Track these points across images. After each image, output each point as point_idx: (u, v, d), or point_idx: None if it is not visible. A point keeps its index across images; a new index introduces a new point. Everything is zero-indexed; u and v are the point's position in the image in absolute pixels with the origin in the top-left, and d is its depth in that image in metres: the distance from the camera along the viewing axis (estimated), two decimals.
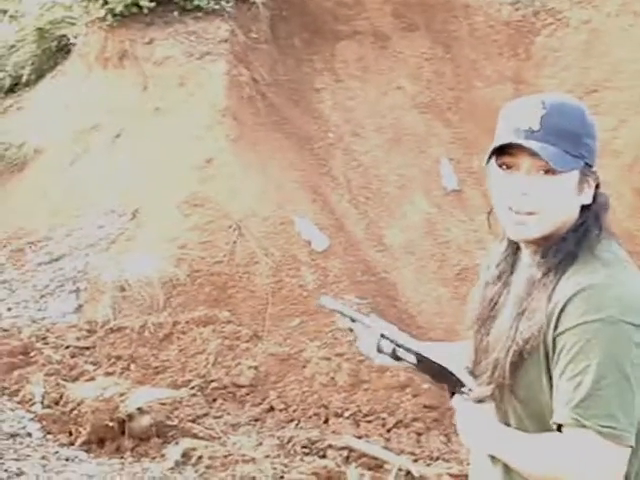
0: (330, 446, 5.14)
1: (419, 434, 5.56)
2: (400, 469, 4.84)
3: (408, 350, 2.02)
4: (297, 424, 5.48)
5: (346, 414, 5.64)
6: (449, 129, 8.40)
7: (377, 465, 5.00)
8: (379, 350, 2.07)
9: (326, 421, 5.60)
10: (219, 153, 7.08)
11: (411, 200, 7.65)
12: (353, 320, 2.17)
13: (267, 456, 4.97)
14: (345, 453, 5.11)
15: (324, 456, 5.10)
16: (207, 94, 7.40)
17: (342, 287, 6.53)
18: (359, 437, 5.40)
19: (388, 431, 5.57)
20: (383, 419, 5.64)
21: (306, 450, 5.14)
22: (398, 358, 2.05)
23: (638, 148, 8.11)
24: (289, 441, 5.22)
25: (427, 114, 8.45)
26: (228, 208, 6.72)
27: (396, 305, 6.77)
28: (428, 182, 7.84)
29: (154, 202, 6.88)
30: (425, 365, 2.01)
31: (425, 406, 5.77)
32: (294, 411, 5.63)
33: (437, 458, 5.24)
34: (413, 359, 2.01)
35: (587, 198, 1.80)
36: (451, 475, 4.76)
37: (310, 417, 5.60)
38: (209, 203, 6.74)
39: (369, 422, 5.63)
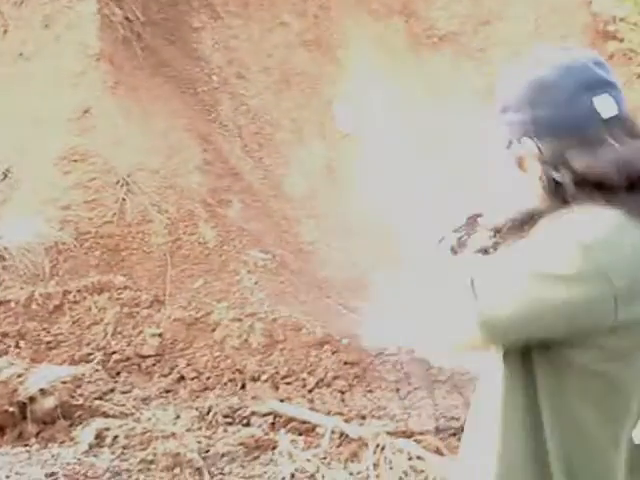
0: (254, 413, 5.04)
1: (342, 392, 5.53)
2: (333, 431, 4.78)
3: None
4: (213, 392, 5.33)
5: (263, 377, 5.54)
6: (340, 68, 8.30)
7: (307, 429, 4.93)
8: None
9: (243, 386, 5.48)
10: (96, 102, 6.72)
11: (308, 145, 7.54)
12: None
13: (188, 429, 4.82)
14: (270, 419, 5.02)
15: (248, 424, 4.99)
16: (77, 36, 6.99)
17: (245, 242, 6.38)
18: (281, 401, 5.31)
19: (310, 392, 5.51)
20: (303, 380, 5.57)
21: (228, 420, 5.02)
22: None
23: None
24: (209, 411, 5.08)
25: (316, 52, 8.31)
26: (112, 162, 6.41)
27: (301, 257, 6.68)
28: (324, 125, 7.73)
29: (27, 159, 6.48)
30: None
31: (346, 363, 5.74)
32: (207, 379, 5.48)
33: (365, 416, 5.22)
34: None
35: None
36: (389, 433, 4.75)
37: (225, 384, 5.47)
38: (91, 157, 6.41)
39: (289, 384, 5.55)
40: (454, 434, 5.16)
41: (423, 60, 8.52)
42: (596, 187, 1.66)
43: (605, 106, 1.67)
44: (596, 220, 1.62)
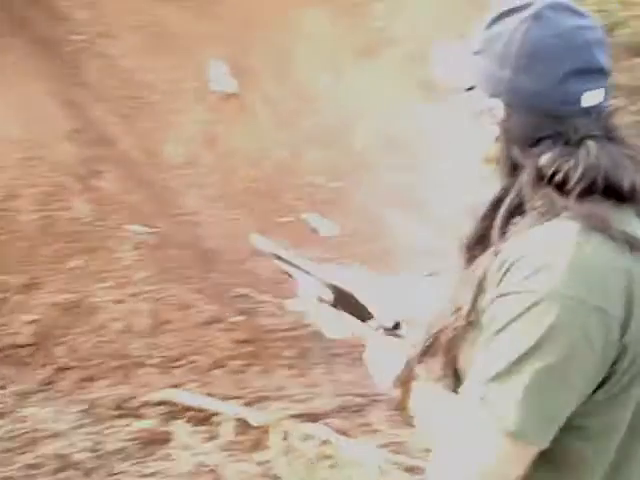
0: (146, 403, 4.70)
1: (238, 373, 5.26)
2: (234, 419, 4.50)
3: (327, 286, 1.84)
4: (98, 383, 4.95)
5: (151, 362, 5.20)
6: (214, 25, 7.89)
7: (205, 418, 4.63)
8: (320, 300, 1.80)
9: (128, 374, 5.12)
10: None
11: (184, 108, 7.13)
12: (293, 266, 1.87)
13: (74, 427, 4.44)
14: (164, 409, 4.69)
15: (140, 416, 4.65)
16: None
17: (123, 216, 5.97)
18: (173, 387, 4.99)
19: (202, 374, 5.21)
20: (195, 362, 5.26)
21: (117, 412, 4.66)
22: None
23: (415, 36, 8.08)
24: (94, 405, 4.70)
25: (189, 8, 7.87)
26: None
27: (185, 230, 6.31)
28: (199, 87, 7.34)
29: None
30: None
31: (239, 341, 5.46)
32: (90, 367, 5.09)
33: (265, 398, 4.97)
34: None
35: None
36: (294, 417, 4.50)
37: (110, 372, 5.09)
38: None
39: (179, 367, 5.23)
40: (358, 411, 4.97)
41: (301, 15, 8.21)
42: (556, 187, 1.42)
43: (593, 101, 1.44)
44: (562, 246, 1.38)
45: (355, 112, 7.63)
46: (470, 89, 1.52)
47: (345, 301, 1.85)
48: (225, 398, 4.89)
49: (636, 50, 6.50)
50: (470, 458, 1.37)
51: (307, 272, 1.90)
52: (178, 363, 5.23)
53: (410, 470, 4.15)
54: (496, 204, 1.48)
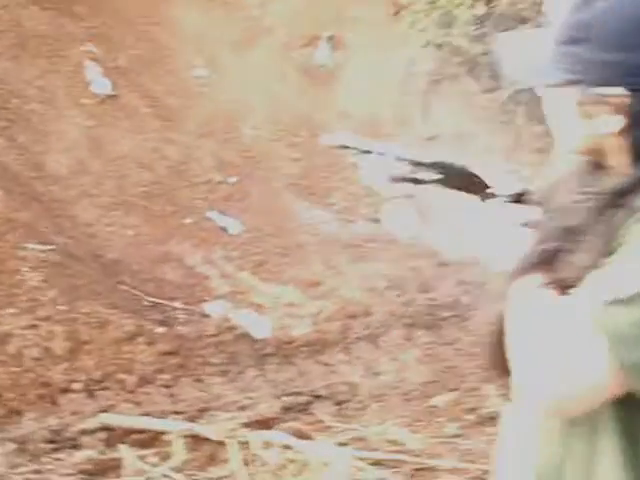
0: (82, 432, 4.41)
1: (169, 387, 5.03)
2: (181, 435, 4.29)
3: (431, 165, 1.79)
4: (23, 416, 4.62)
5: (76, 387, 4.90)
6: (81, 25, 7.53)
7: (150, 438, 4.39)
8: (393, 179, 1.75)
9: (54, 402, 4.80)
10: None
11: (62, 115, 6.76)
12: (364, 151, 1.82)
13: (10, 468, 4.12)
14: (103, 435, 4.42)
15: (78, 446, 4.36)
16: None
17: (19, 234, 5.59)
18: (103, 411, 4.71)
19: (132, 393, 4.95)
20: (122, 381, 4.99)
21: (53, 446, 4.36)
22: (418, 181, 1.81)
23: (290, 24, 7.98)
24: (25, 440, 4.38)
25: (51, 10, 7.47)
26: None
27: (84, 242, 5.99)
28: (75, 91, 6.98)
29: None
30: (452, 177, 1.79)
31: (164, 353, 5.22)
32: (11, 400, 4.74)
33: (205, 410, 4.77)
34: (437, 174, 1.79)
35: None
36: (246, 425, 4.33)
37: (33, 403, 4.76)
38: None
39: (106, 389, 4.95)
40: (304, 410, 4.86)
41: (172, 8, 7.95)
42: None
43: None
44: None
45: (239, 103, 7.46)
46: (574, 82, 1.43)
47: (456, 177, 1.80)
48: (163, 414, 4.66)
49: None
50: (569, 367, 1.31)
51: (380, 153, 1.86)
52: (105, 384, 4.94)
53: (378, 464, 4.06)
54: (620, 193, 1.40)
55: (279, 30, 7.95)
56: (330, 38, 7.69)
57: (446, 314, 5.72)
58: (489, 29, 6.79)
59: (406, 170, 1.84)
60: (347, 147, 1.91)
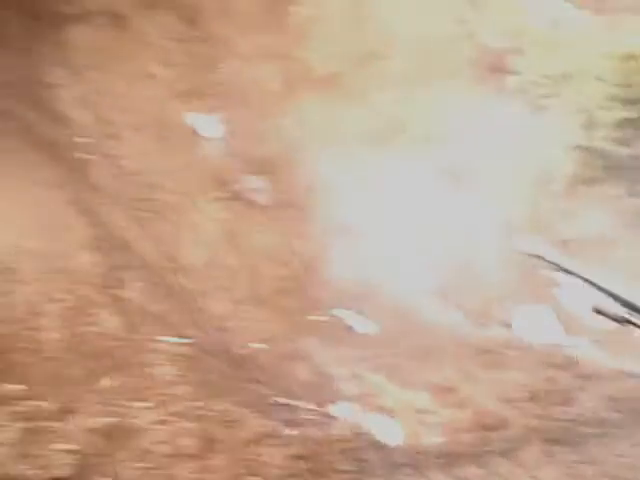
0: None
1: None
2: None
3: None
4: None
5: None
6: (218, 118, 7.70)
7: None
8: (597, 311, 1.61)
9: None
10: None
11: (198, 207, 6.86)
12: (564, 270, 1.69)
13: None
14: None
15: None
16: None
17: (154, 326, 5.63)
18: None
19: None
20: None
21: None
22: (628, 322, 1.63)
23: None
24: None
25: (190, 103, 7.67)
26: None
27: (217, 336, 5.99)
28: (213, 182, 7.10)
29: None
30: None
31: (294, 457, 5.11)
32: None
33: None
34: None
35: None
36: None
37: None
38: None
39: None
40: None
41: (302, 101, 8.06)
42: None
43: None
44: None
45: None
46: None
47: None
48: None
49: None
50: None
51: (583, 278, 1.71)
52: None
53: None
54: None
55: (414, 127, 7.95)
56: (466, 138, 7.64)
57: (589, 430, 5.42)
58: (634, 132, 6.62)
59: (608, 302, 1.73)
60: (543, 259, 1.80)
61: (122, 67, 7.62)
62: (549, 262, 1.47)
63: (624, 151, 6.76)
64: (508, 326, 6.42)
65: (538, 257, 1.51)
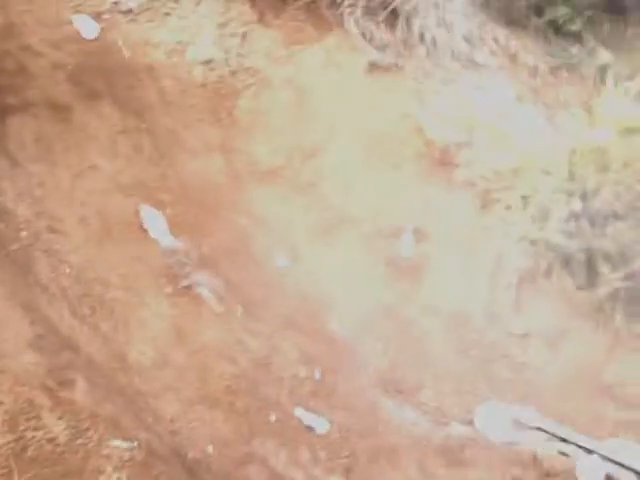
0: None
1: None
2: None
3: None
4: None
5: None
6: (164, 212, 7.56)
7: None
8: None
9: None
10: None
11: (146, 303, 6.67)
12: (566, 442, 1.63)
13: None
14: None
15: None
16: None
17: (102, 430, 5.37)
18: None
19: None
20: None
21: None
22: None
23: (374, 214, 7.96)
24: None
25: (134, 196, 7.53)
26: None
27: (167, 439, 5.74)
28: (160, 278, 6.92)
29: None
30: None
31: None
32: None
33: None
34: None
35: None
36: None
37: None
38: None
39: None
40: None
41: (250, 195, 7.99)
42: None
43: None
44: None
45: (323, 295, 7.34)
46: None
47: None
48: None
49: None
50: None
51: (588, 450, 1.63)
52: None
53: None
54: None
55: (362, 220, 7.92)
56: (415, 230, 7.63)
57: None
58: (584, 224, 6.70)
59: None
60: (545, 431, 1.73)
61: (65, 159, 7.47)
62: (550, 434, 1.42)
63: (573, 243, 6.84)
64: (470, 423, 6.31)
65: (539, 429, 1.46)
